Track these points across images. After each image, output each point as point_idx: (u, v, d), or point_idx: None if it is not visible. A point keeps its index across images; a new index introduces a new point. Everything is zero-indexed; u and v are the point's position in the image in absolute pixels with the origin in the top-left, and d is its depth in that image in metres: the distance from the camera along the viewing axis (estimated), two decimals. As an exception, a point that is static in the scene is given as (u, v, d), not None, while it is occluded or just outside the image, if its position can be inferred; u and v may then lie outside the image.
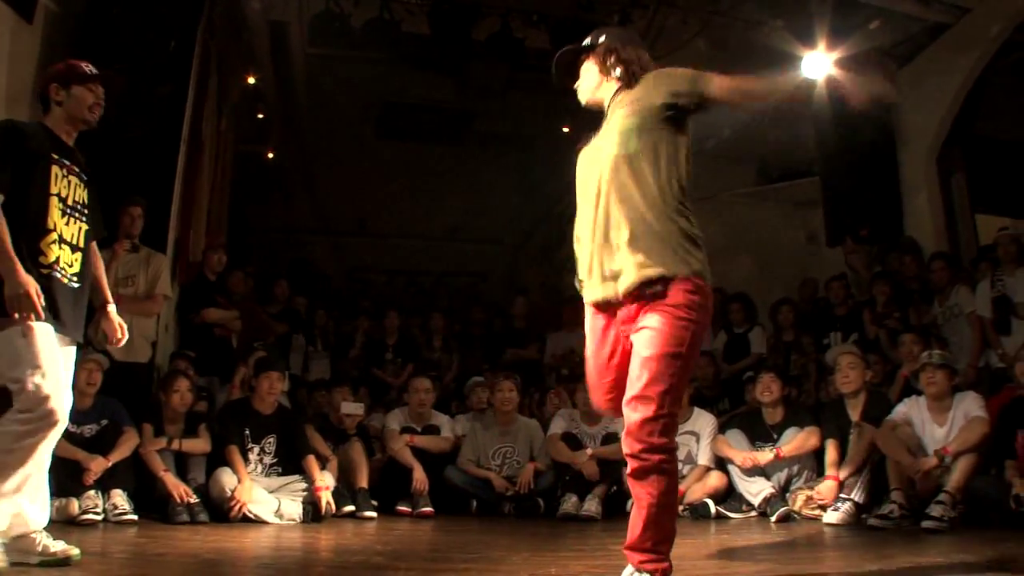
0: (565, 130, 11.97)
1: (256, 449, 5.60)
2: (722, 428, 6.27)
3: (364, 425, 6.52)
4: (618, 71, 2.95)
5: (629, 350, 2.74)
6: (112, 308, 3.66)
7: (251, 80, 9.28)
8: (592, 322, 2.93)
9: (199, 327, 6.79)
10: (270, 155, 11.45)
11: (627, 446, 2.65)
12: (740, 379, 7.34)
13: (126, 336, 3.69)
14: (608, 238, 2.75)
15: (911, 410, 5.45)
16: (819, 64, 8.08)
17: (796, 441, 5.86)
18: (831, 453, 5.73)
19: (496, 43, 8.68)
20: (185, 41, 6.92)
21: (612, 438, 6.21)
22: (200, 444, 5.55)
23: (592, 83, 3.03)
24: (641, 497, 2.65)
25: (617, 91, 2.97)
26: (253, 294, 7.82)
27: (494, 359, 8.88)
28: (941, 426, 5.30)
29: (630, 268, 2.67)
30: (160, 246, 6.48)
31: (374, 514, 5.70)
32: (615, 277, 2.72)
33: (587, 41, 3.05)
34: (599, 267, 2.77)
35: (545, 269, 13.32)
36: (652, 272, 2.63)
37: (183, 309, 6.97)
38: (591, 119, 9.89)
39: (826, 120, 8.60)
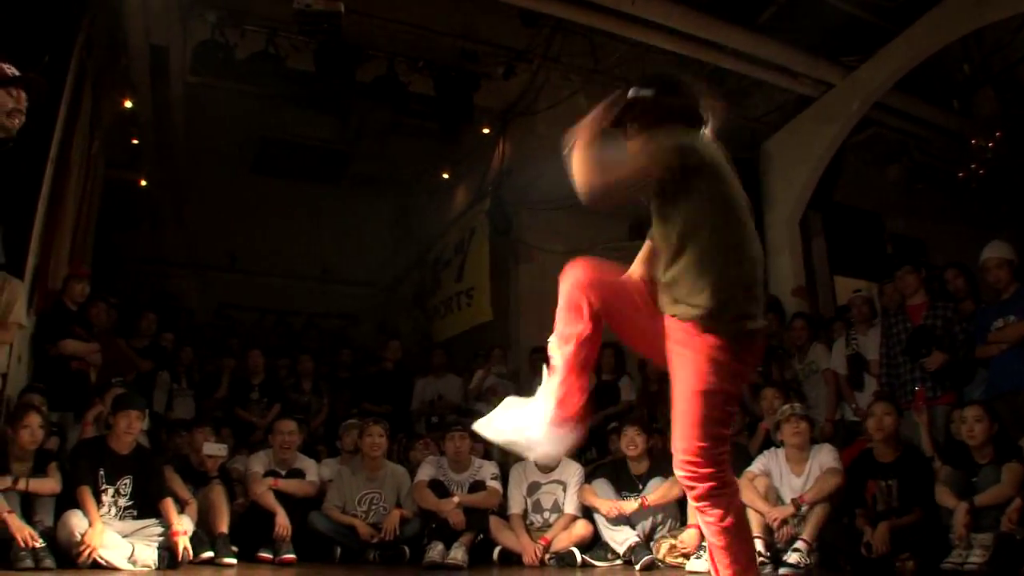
0: (445, 176, 12.10)
1: (110, 491, 5.33)
2: (588, 477, 6.36)
3: (226, 467, 6.30)
4: None
5: None
6: None
7: (127, 104, 8.98)
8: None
9: (55, 359, 6.41)
10: (142, 183, 11.06)
11: None
12: (605, 429, 7.48)
13: None
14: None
15: (770, 461, 5.72)
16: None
17: (660, 491, 6.00)
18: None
19: (380, 86, 8.68)
20: (60, 56, 6.62)
21: (479, 486, 6.24)
22: (49, 484, 5.21)
23: None
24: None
25: None
26: (115, 327, 7.50)
27: (360, 403, 8.78)
28: (798, 476, 5.59)
29: None
30: (18, 271, 6.12)
31: (234, 560, 5.50)
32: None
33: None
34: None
35: (416, 315, 13.29)
36: None
37: (39, 339, 6.54)
38: (471, 168, 9.92)
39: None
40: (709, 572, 2.73)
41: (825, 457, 5.56)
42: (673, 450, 2.67)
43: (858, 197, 10.09)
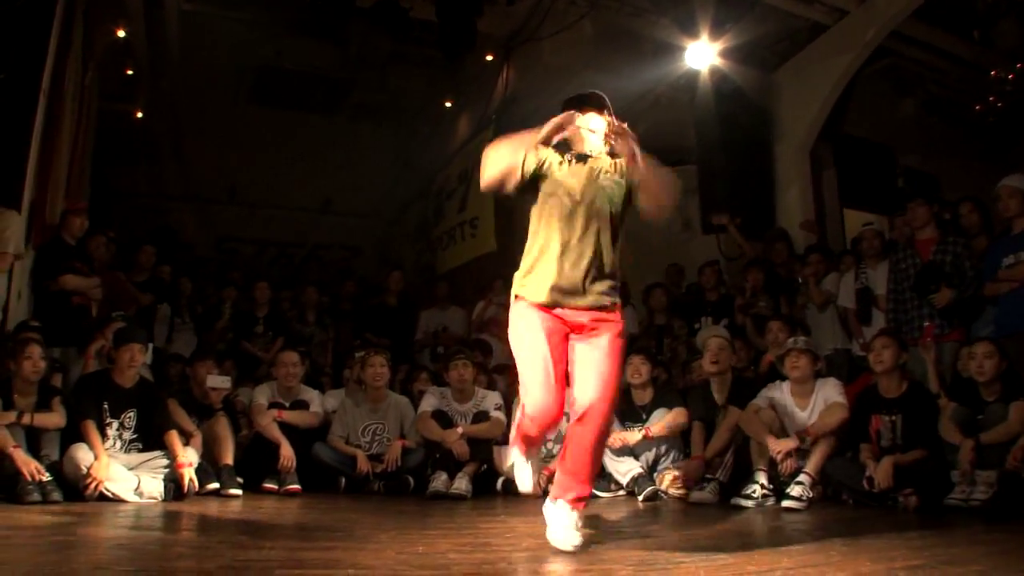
0: (447, 105, 11.89)
1: (115, 424, 5.35)
2: (592, 408, 6.34)
3: (230, 399, 6.33)
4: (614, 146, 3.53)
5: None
6: None
7: (120, 33, 8.74)
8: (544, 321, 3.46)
9: (55, 295, 6.37)
10: (138, 115, 10.87)
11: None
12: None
13: None
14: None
15: (775, 394, 5.66)
16: (702, 54, 8.34)
17: (664, 422, 5.99)
18: (697, 434, 5.93)
19: (381, 12, 8.43)
20: (48, -16, 6.46)
21: (482, 416, 6.23)
22: (53, 418, 5.19)
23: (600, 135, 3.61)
24: None
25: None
26: (115, 261, 7.45)
27: (362, 335, 8.78)
28: (803, 410, 5.54)
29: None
30: (14, 206, 6.04)
31: (239, 492, 5.56)
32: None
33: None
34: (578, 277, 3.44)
35: (419, 246, 13.22)
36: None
37: (38, 275, 6.50)
38: (474, 96, 9.69)
39: (707, 109, 8.79)
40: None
41: (830, 391, 5.50)
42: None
43: (870, 129, 9.82)
